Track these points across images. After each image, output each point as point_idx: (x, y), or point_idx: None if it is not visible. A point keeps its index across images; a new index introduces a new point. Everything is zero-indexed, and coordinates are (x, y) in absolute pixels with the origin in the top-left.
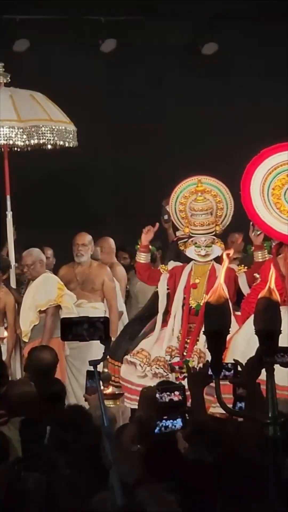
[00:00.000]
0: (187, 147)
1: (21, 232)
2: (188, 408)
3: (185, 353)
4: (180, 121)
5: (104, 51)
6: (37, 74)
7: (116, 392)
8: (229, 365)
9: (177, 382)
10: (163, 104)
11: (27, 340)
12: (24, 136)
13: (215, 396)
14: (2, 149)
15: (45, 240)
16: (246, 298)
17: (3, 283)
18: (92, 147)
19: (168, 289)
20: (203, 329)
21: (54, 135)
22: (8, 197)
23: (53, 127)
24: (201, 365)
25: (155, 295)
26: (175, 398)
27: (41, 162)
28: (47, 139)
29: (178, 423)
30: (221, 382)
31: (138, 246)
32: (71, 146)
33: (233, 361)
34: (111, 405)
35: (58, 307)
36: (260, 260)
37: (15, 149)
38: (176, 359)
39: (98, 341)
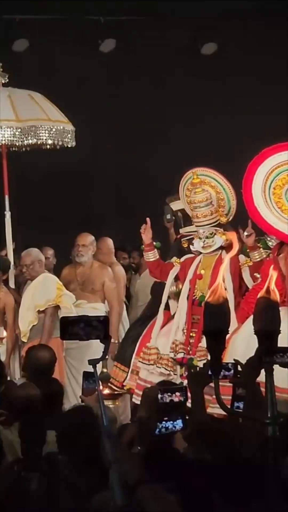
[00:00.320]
0: (187, 147)
1: (20, 232)
2: (188, 408)
3: (189, 348)
4: (180, 121)
5: (104, 51)
6: (37, 74)
7: (115, 393)
8: (229, 365)
9: (179, 381)
10: (163, 104)
11: (26, 340)
12: (23, 136)
13: (214, 396)
14: (1, 149)
15: (44, 240)
16: (246, 298)
17: (2, 283)
18: (92, 147)
19: (177, 280)
20: None
21: (52, 135)
22: (6, 197)
23: (52, 127)
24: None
25: (155, 293)
26: (176, 399)
27: (40, 162)
28: (45, 139)
29: (179, 424)
30: (220, 383)
31: (143, 247)
32: (70, 146)
33: (233, 361)
34: (110, 405)
35: (57, 307)
36: (258, 259)
37: (13, 149)
38: (181, 355)
39: (98, 341)
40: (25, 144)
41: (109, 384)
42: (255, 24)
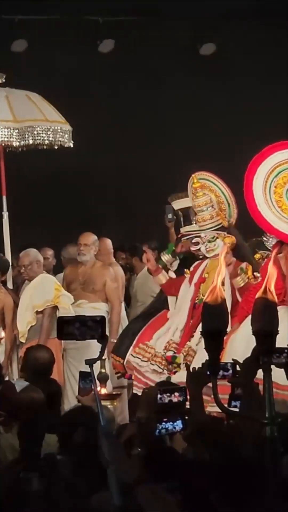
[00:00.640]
0: (187, 147)
1: (18, 232)
2: (187, 408)
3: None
4: (180, 121)
5: (103, 51)
6: (36, 74)
7: (114, 393)
8: (228, 365)
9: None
10: (162, 104)
11: (24, 341)
12: (20, 137)
13: (212, 396)
14: None
15: (43, 241)
16: (245, 297)
17: (1, 284)
18: (91, 147)
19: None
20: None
21: (50, 135)
22: (4, 197)
23: (49, 127)
24: (199, 364)
25: (162, 292)
26: (175, 399)
27: (38, 162)
28: (43, 140)
29: (179, 424)
30: (219, 382)
31: (149, 269)
32: (67, 146)
33: (231, 361)
34: (109, 405)
35: (55, 308)
36: (241, 284)
37: (10, 149)
38: (170, 353)
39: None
40: (22, 144)
41: (117, 377)
42: (254, 24)
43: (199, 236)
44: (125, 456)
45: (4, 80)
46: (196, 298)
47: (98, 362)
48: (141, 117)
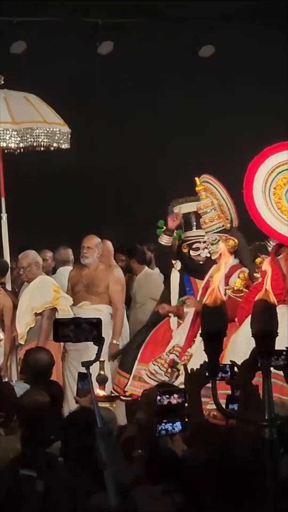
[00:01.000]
0: (186, 148)
1: (17, 234)
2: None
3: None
4: (179, 123)
5: (102, 53)
6: (35, 76)
7: (112, 395)
8: (227, 366)
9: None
10: (161, 106)
11: (23, 343)
12: (18, 138)
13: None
14: None
15: (41, 243)
16: (246, 297)
17: (0, 285)
18: (90, 148)
19: None
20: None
21: (48, 137)
22: (2, 199)
23: (47, 129)
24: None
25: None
26: (174, 401)
27: (37, 164)
28: (41, 141)
29: (178, 426)
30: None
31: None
32: (65, 148)
33: (230, 362)
34: (108, 407)
35: (54, 310)
36: (235, 287)
37: (9, 150)
38: (172, 356)
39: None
40: (21, 146)
41: (112, 390)
42: (253, 25)
43: (199, 242)
44: (122, 457)
45: (2, 82)
46: None
47: (98, 363)
48: (141, 118)
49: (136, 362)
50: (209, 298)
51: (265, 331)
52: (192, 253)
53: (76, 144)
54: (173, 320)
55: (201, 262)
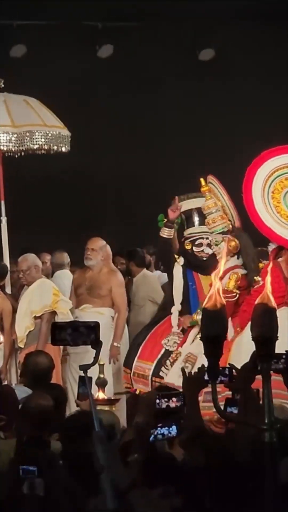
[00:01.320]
0: (186, 150)
1: (16, 237)
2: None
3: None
4: (179, 125)
5: (101, 56)
6: (35, 79)
7: (112, 398)
8: (226, 370)
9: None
10: (161, 109)
11: (22, 346)
12: (18, 142)
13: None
14: None
15: (41, 246)
16: (247, 300)
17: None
18: (89, 152)
19: None
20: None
21: (48, 140)
22: (2, 202)
23: (47, 132)
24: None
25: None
26: (172, 404)
27: (37, 167)
28: (41, 144)
29: (174, 430)
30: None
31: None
32: (65, 151)
33: (228, 366)
34: (111, 411)
35: (53, 313)
36: (226, 287)
37: (9, 154)
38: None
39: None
40: (21, 149)
41: (125, 389)
42: (253, 26)
43: (202, 238)
44: (119, 461)
45: (2, 85)
46: None
47: (97, 367)
48: (140, 120)
49: (136, 359)
50: (209, 302)
51: (265, 335)
52: (195, 249)
53: (76, 146)
54: (174, 317)
55: (204, 258)
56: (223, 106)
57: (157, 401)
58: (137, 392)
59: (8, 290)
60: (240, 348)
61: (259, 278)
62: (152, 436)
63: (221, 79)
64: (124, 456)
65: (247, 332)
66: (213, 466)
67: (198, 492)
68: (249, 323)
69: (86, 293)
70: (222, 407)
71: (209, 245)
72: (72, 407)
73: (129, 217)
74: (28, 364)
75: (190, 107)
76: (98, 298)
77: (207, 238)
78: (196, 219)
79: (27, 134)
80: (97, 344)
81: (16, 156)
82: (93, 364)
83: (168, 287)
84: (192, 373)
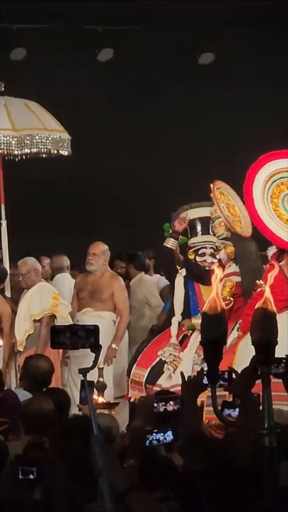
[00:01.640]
0: (186, 155)
1: (16, 241)
2: (179, 418)
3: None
4: (179, 130)
5: (101, 60)
6: (35, 83)
7: (111, 402)
8: (225, 374)
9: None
10: (161, 113)
11: (22, 349)
12: (19, 145)
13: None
14: None
15: (41, 249)
16: (250, 304)
17: None
18: (89, 156)
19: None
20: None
21: (49, 143)
22: (2, 205)
23: (48, 136)
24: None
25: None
26: (170, 408)
27: (37, 170)
28: (42, 148)
29: (169, 435)
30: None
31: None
32: (65, 154)
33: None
34: (111, 415)
35: (53, 317)
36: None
37: (9, 157)
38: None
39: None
40: (21, 153)
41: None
42: (253, 30)
43: (205, 247)
44: (117, 464)
45: (3, 89)
46: None
47: (96, 371)
48: (140, 125)
49: (134, 366)
50: (209, 306)
51: (264, 339)
52: (198, 259)
53: (76, 150)
54: (174, 327)
55: (207, 268)
56: (223, 110)
57: (155, 404)
58: (132, 399)
59: (8, 293)
60: (247, 351)
61: (262, 282)
62: (148, 441)
63: (221, 83)
64: (121, 461)
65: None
66: (211, 471)
67: (196, 497)
68: None
69: (88, 297)
70: None
71: (212, 255)
72: (72, 410)
73: (129, 221)
74: (28, 368)
75: (190, 110)
76: (99, 302)
77: (211, 248)
78: (199, 228)
79: (28, 137)
80: (96, 348)
81: (17, 159)
82: (92, 367)
83: (171, 297)
84: (191, 377)
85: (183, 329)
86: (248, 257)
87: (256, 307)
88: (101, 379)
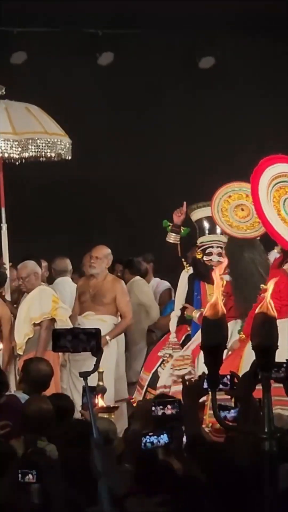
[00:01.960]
0: (186, 159)
1: (17, 244)
2: (177, 422)
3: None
4: (179, 134)
5: (102, 64)
6: (35, 86)
7: (111, 406)
8: (226, 378)
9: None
10: (161, 116)
11: (21, 353)
12: (19, 149)
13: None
14: None
15: (42, 253)
16: (255, 307)
17: None
18: (89, 159)
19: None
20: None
21: (49, 147)
22: (2, 209)
23: (48, 140)
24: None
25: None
26: (168, 412)
27: (37, 174)
28: (42, 152)
29: (164, 438)
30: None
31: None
32: (66, 158)
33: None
34: (109, 419)
35: (52, 320)
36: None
37: (10, 161)
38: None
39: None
40: (22, 156)
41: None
42: (253, 34)
43: (211, 247)
44: (116, 468)
45: (3, 92)
46: None
47: (96, 374)
48: (141, 129)
49: (142, 370)
50: (209, 310)
51: (264, 344)
52: (205, 258)
53: (76, 153)
54: (173, 322)
55: (213, 267)
56: (223, 114)
57: (153, 408)
58: (132, 400)
59: (8, 297)
60: (251, 355)
61: (266, 286)
62: (142, 444)
63: (221, 87)
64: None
65: None
66: (210, 474)
67: (195, 501)
68: None
69: (90, 301)
70: None
71: (219, 254)
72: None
73: (129, 225)
74: (29, 371)
75: (190, 114)
76: (101, 305)
77: (218, 247)
78: (206, 228)
79: (28, 141)
80: (97, 351)
81: (17, 163)
82: (93, 371)
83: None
84: (192, 381)
85: (187, 313)
86: (239, 263)
87: (256, 311)
88: (100, 383)
